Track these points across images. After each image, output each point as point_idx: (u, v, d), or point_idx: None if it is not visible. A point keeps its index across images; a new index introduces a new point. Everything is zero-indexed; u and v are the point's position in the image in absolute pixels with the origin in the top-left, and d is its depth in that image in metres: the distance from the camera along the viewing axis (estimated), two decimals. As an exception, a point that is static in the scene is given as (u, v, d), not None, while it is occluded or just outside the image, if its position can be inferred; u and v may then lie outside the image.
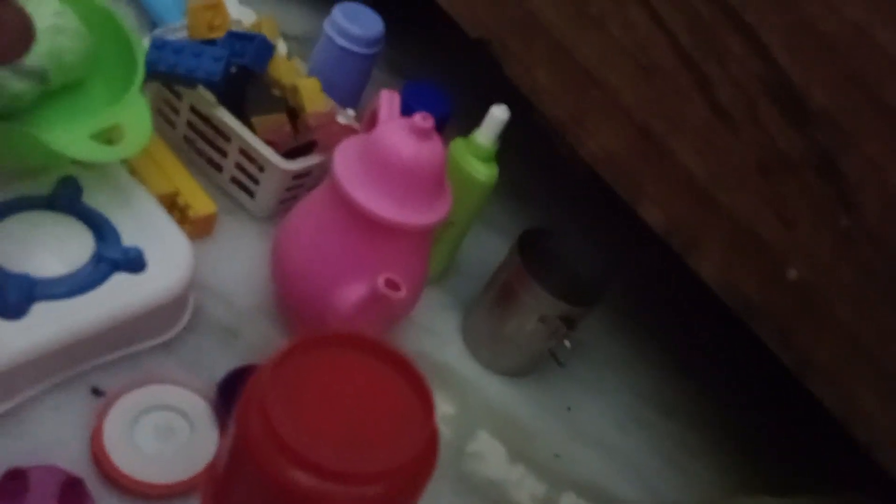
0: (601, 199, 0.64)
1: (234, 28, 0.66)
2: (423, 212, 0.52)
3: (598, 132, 0.58)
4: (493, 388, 0.64)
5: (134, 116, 0.51)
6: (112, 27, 0.56)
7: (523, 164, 0.71)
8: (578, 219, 0.75)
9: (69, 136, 0.48)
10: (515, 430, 0.63)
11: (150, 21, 0.73)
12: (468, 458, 0.59)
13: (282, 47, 0.79)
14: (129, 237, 0.51)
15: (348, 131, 0.61)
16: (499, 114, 0.60)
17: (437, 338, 0.66)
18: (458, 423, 0.61)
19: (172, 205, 0.60)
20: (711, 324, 0.71)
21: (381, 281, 0.49)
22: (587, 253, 0.63)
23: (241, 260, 0.62)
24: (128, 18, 0.74)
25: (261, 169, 0.62)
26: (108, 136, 0.51)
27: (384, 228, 0.51)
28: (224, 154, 0.63)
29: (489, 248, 0.70)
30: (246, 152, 0.61)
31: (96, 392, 0.49)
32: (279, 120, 0.60)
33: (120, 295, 0.49)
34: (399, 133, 0.50)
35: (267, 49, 0.62)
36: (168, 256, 0.52)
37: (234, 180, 0.64)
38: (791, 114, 0.49)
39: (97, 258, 0.49)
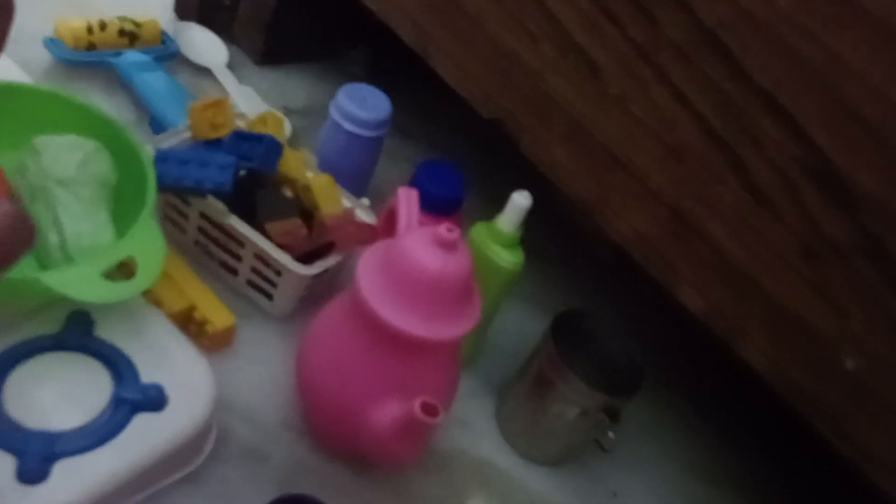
0: (633, 275, 0.61)
1: (238, 120, 0.64)
2: (452, 323, 0.49)
3: (627, 213, 0.56)
4: (535, 480, 0.62)
5: (146, 246, 0.49)
6: (120, 140, 0.54)
7: (549, 237, 0.68)
8: (611, 293, 0.72)
9: (80, 278, 0.46)
10: (563, 525, 0.60)
11: (151, 117, 0.71)
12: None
13: (286, 127, 0.78)
14: (147, 372, 0.49)
15: (366, 230, 0.59)
16: (521, 201, 0.58)
17: (471, 430, 0.63)
18: (504, 526, 0.58)
19: (188, 319, 0.58)
20: (758, 393, 0.69)
21: (417, 407, 0.46)
22: (624, 335, 0.61)
23: (262, 368, 0.60)
24: (127, 116, 0.72)
25: (277, 273, 0.59)
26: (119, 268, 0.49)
27: (414, 344, 0.48)
28: (238, 258, 0.61)
29: (518, 324, 0.68)
30: (261, 257, 0.59)
31: (126, 543, 0.47)
32: (294, 224, 0.58)
33: (142, 438, 0.46)
34: (424, 246, 0.48)
35: (276, 149, 0.60)
36: (189, 387, 0.49)
37: (251, 283, 0.62)
38: (835, 197, 0.46)
39: (116, 401, 0.47)
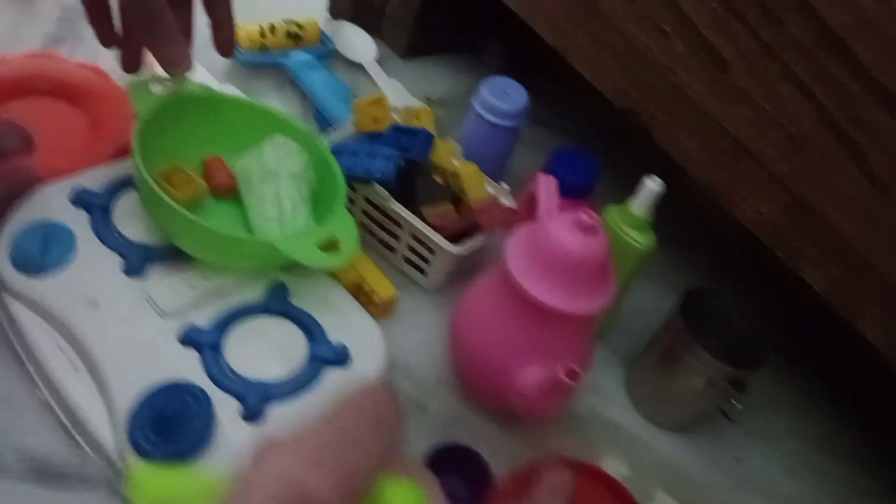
0: (762, 255, 0.66)
1: (394, 113, 0.73)
2: (591, 299, 0.56)
3: (753, 199, 0.61)
4: (662, 444, 0.68)
5: (344, 227, 0.58)
6: (315, 146, 0.64)
7: (678, 219, 0.73)
8: (739, 274, 0.77)
9: (304, 247, 0.56)
10: (687, 485, 0.66)
11: (316, 111, 0.81)
12: (647, 516, 0.63)
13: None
14: (334, 333, 0.58)
15: (509, 214, 0.66)
16: (653, 186, 0.63)
17: (601, 395, 0.70)
18: (635, 484, 0.64)
19: (359, 290, 0.67)
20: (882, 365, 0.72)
21: (560, 370, 0.54)
22: (750, 311, 0.66)
23: (419, 333, 0.69)
24: (296, 110, 0.83)
25: (431, 251, 0.68)
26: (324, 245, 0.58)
27: (557, 316, 0.56)
28: (397, 238, 0.70)
29: (647, 301, 0.74)
30: (417, 237, 0.68)
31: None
32: (446, 209, 0.66)
33: (334, 389, 0.56)
34: (566, 230, 0.55)
35: (429, 141, 0.68)
36: (366, 347, 0.59)
37: (407, 260, 0.71)
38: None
39: (311, 357, 0.57)
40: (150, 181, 0.54)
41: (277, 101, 0.82)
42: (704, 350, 0.63)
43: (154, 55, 0.55)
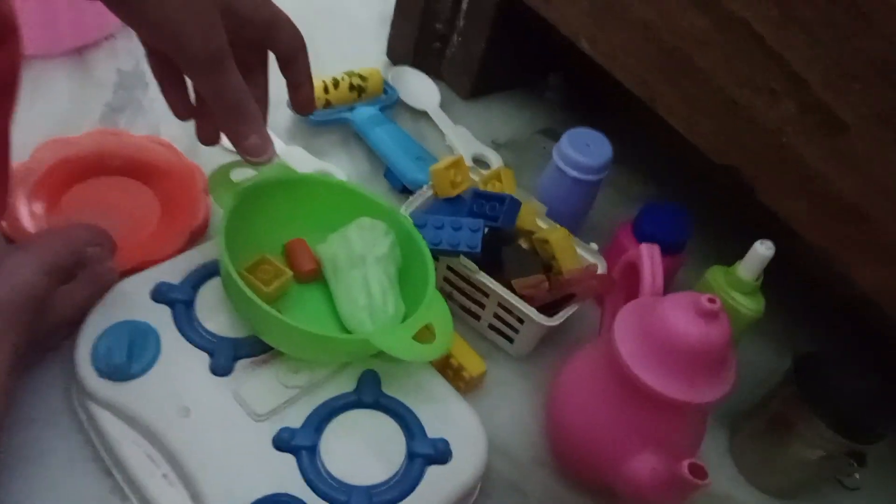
0: (878, 321, 0.61)
1: (472, 174, 0.69)
2: (711, 387, 0.52)
3: (866, 263, 0.56)
4: (775, 514, 0.64)
5: (438, 312, 0.55)
6: (396, 223, 0.61)
7: (786, 278, 0.69)
8: (852, 339, 0.72)
9: (399, 339, 0.53)
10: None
11: (386, 169, 0.78)
12: None
13: (496, 162, 0.82)
14: (431, 426, 0.55)
15: (605, 283, 0.62)
16: (763, 251, 0.59)
17: (708, 464, 0.65)
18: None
19: (446, 365, 0.64)
20: None
21: (685, 468, 0.50)
22: (869, 377, 0.61)
23: (510, 407, 0.65)
24: (363, 167, 0.79)
25: (520, 321, 0.64)
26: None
27: (673, 406, 0.52)
28: (482, 306, 0.66)
29: (751, 362, 0.69)
30: (505, 307, 0.64)
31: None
32: (537, 280, 0.63)
33: (436, 489, 0.53)
34: (685, 317, 0.51)
35: (516, 207, 0.64)
36: (467, 439, 0.56)
37: (492, 327, 0.67)
38: None
39: (411, 455, 0.54)
40: (240, 282, 0.51)
41: (345, 159, 0.79)
42: (821, 421, 0.59)
43: (235, 145, 0.52)
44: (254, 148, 0.51)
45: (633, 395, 0.53)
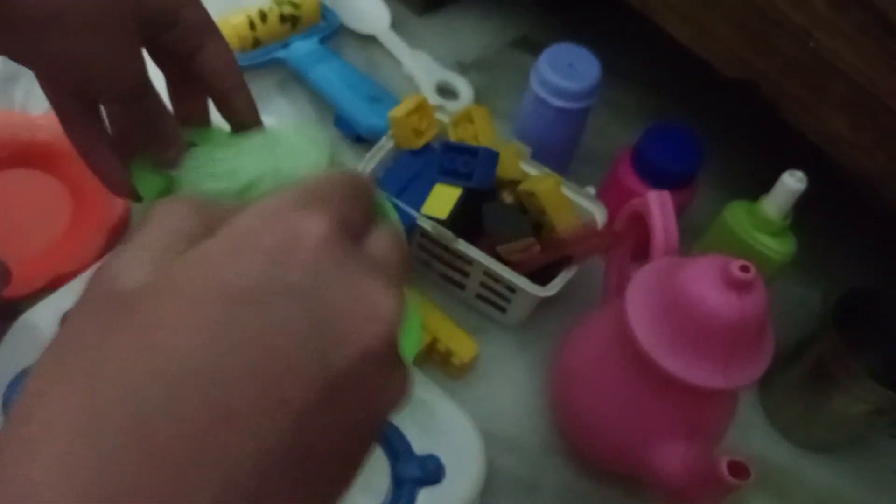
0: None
1: (439, 114, 0.58)
2: (748, 366, 0.43)
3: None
4: (816, 472, 0.57)
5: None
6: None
7: (821, 209, 0.58)
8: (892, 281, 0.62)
9: None
10: (850, 517, 0.56)
11: (336, 116, 0.66)
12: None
13: (467, 92, 0.71)
14: (418, 442, 0.47)
15: (608, 239, 0.53)
16: (793, 184, 0.49)
17: (738, 423, 0.58)
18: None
19: (432, 351, 0.55)
20: None
21: (724, 467, 0.42)
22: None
23: (510, 388, 0.57)
24: (308, 115, 0.68)
25: (510, 289, 0.55)
26: None
27: (705, 393, 0.43)
28: (465, 274, 0.57)
29: (785, 303, 0.60)
30: (491, 275, 0.55)
31: None
32: (526, 243, 0.53)
33: (432, 514, 0.45)
34: (713, 288, 0.41)
35: (493, 161, 0.53)
36: (459, 450, 0.47)
37: (480, 297, 0.58)
38: None
39: (397, 480, 0.45)
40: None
41: (285, 108, 0.67)
42: (867, 372, 0.51)
43: (154, 158, 0.41)
44: (171, 161, 0.41)
45: (655, 379, 0.45)
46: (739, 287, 0.41)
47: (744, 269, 0.40)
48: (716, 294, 0.41)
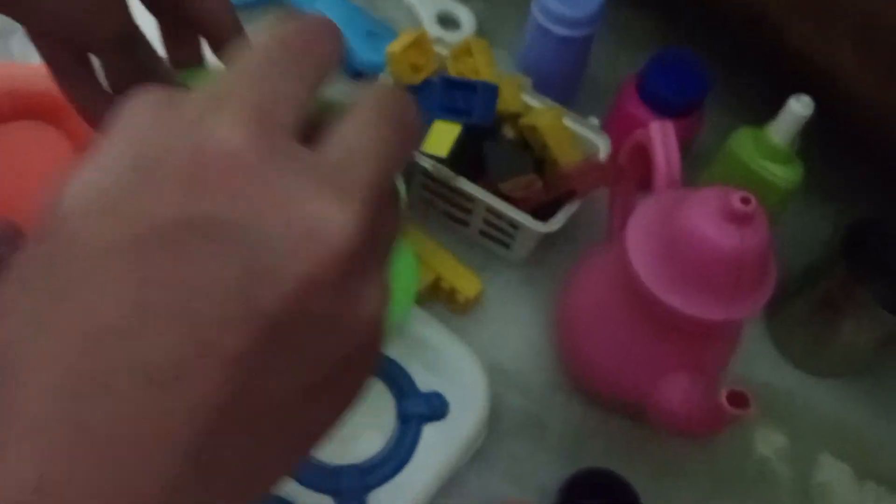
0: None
1: (437, 46, 0.57)
2: (750, 297, 0.43)
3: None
4: (822, 398, 0.57)
5: (398, 271, 0.45)
6: None
7: (828, 139, 0.57)
8: None
9: None
10: (856, 441, 0.56)
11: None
12: (816, 495, 0.54)
13: (470, 23, 0.69)
14: (422, 377, 0.48)
15: (610, 172, 0.52)
16: (799, 109, 0.48)
17: (744, 352, 0.58)
18: (796, 454, 0.55)
19: (436, 289, 0.55)
20: None
21: (724, 398, 0.42)
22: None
23: (515, 325, 0.57)
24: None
25: (513, 226, 0.55)
26: None
27: (708, 326, 0.43)
28: (468, 212, 0.56)
29: (793, 231, 0.60)
30: (494, 212, 0.54)
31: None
32: (528, 180, 0.52)
33: (436, 448, 0.46)
34: (713, 222, 0.41)
35: (492, 95, 0.52)
36: (463, 385, 0.48)
37: (483, 233, 0.58)
38: None
39: (403, 418, 0.46)
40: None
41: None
42: (875, 302, 0.50)
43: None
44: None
45: (657, 315, 0.44)
46: (740, 219, 0.40)
47: (744, 200, 0.40)
48: (716, 227, 0.41)
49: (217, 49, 0.42)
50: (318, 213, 0.16)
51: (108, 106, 0.40)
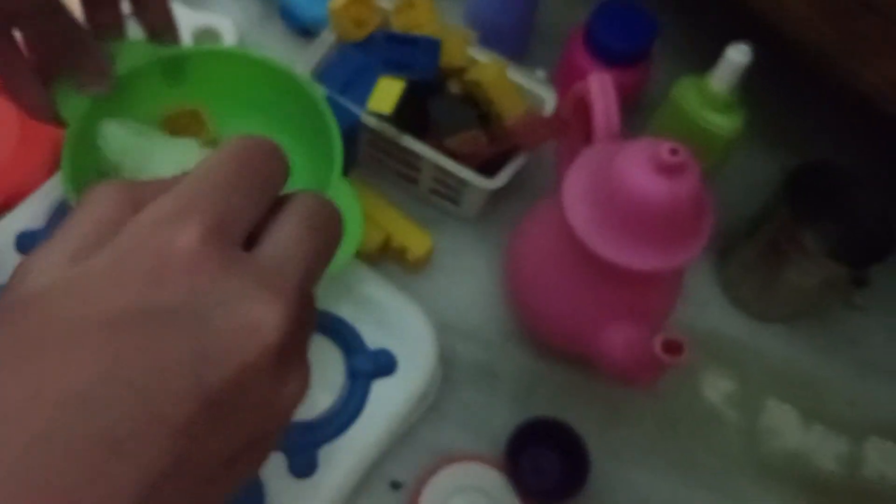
0: (877, 126, 0.51)
1: (381, 2, 0.56)
2: (685, 246, 0.44)
3: (879, 62, 0.45)
4: (769, 343, 0.58)
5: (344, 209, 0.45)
6: (303, 97, 0.48)
7: (773, 85, 0.57)
8: (851, 146, 0.61)
9: None
10: (802, 385, 0.57)
11: (280, 8, 0.64)
12: (763, 438, 0.56)
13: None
14: (371, 335, 0.48)
15: (554, 126, 0.52)
16: (737, 57, 0.48)
17: (694, 300, 0.59)
18: (744, 399, 0.56)
19: (386, 248, 0.56)
20: None
21: (658, 346, 0.43)
22: (872, 190, 0.52)
23: (467, 279, 0.58)
24: (253, 10, 0.66)
25: (461, 183, 0.55)
26: None
27: (643, 275, 0.44)
28: (417, 170, 0.57)
29: (738, 179, 0.60)
30: (441, 170, 0.55)
31: (396, 485, 0.50)
32: (473, 135, 0.52)
33: (385, 404, 0.47)
34: (643, 173, 0.41)
35: (435, 52, 0.52)
36: (412, 341, 0.49)
37: (434, 191, 0.58)
38: None
39: (351, 374, 0.47)
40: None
41: (229, 4, 0.65)
42: (820, 249, 0.51)
43: (76, 81, 0.41)
44: (91, 79, 0.41)
45: (596, 266, 0.45)
46: (669, 170, 0.40)
47: (673, 151, 0.40)
48: (645, 178, 0.41)
49: (139, 11, 0.41)
50: (256, 311, 0.19)
51: (30, 80, 0.40)
